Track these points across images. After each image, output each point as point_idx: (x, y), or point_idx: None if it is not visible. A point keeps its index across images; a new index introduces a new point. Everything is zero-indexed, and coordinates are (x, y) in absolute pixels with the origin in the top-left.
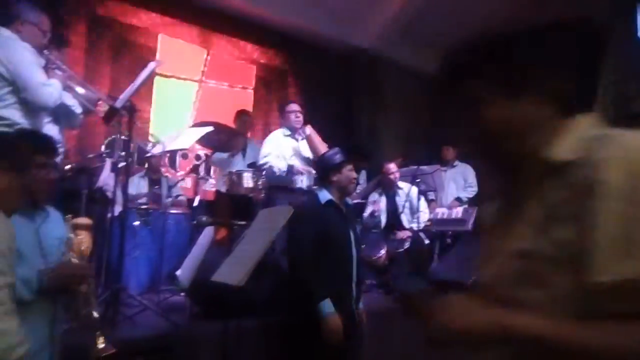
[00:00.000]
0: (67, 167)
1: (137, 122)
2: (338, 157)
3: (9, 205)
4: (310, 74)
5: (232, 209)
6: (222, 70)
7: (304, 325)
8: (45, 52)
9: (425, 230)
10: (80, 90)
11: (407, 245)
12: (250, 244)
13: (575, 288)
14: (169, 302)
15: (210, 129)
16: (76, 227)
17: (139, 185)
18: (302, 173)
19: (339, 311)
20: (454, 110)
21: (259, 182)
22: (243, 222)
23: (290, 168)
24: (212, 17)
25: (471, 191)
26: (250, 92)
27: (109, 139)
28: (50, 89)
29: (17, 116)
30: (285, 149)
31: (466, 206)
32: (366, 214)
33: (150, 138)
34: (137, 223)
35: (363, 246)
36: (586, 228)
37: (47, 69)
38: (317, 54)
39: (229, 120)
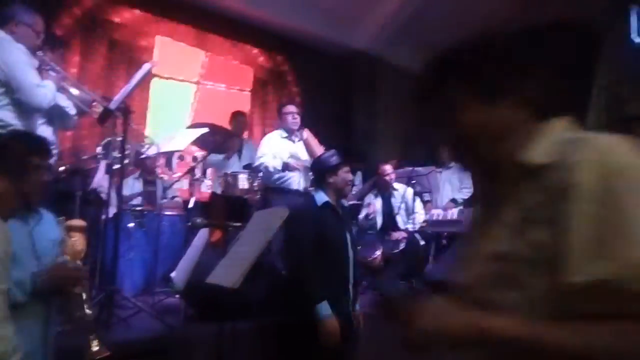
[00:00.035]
0: (61, 168)
1: (132, 124)
2: (334, 159)
3: (5, 210)
4: (308, 75)
5: (228, 210)
6: (219, 72)
7: (301, 327)
8: (39, 53)
9: (420, 231)
10: (74, 91)
11: (402, 246)
12: (245, 245)
13: (551, 289)
14: (163, 304)
15: (205, 130)
16: (70, 229)
17: (133, 187)
18: (297, 169)
19: (335, 313)
20: (433, 115)
21: (255, 184)
22: (238, 224)
23: (286, 165)
24: (209, 18)
25: (466, 192)
26: (248, 94)
27: (105, 141)
28: (44, 90)
29: (10, 117)
30: (281, 151)
31: (461, 207)
32: (361, 216)
33: (145, 140)
34: (131, 225)
35: (359, 247)
36: (560, 230)
37: (41, 70)
38: (314, 55)
39: (226, 122)
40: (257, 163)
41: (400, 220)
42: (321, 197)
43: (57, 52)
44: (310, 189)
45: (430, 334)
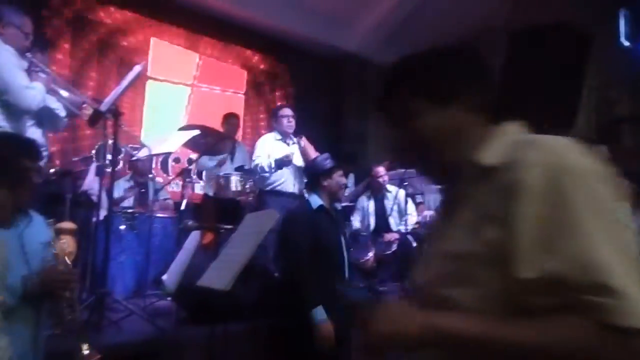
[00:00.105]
0: (51, 170)
1: (123, 125)
2: (328, 163)
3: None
4: (300, 77)
5: (219, 212)
6: (214, 74)
7: (295, 330)
8: (28, 54)
9: (413, 232)
10: (64, 93)
11: (394, 247)
12: (237, 248)
13: (504, 286)
14: (155, 307)
15: (196, 132)
16: (60, 232)
17: (124, 189)
18: (290, 161)
19: (330, 317)
20: (391, 122)
21: (247, 186)
22: (230, 226)
23: (280, 161)
24: (201, 20)
25: None
26: (242, 96)
27: (98, 144)
28: (33, 92)
29: None
30: (275, 153)
31: None
32: (354, 219)
33: (138, 142)
34: (123, 227)
35: (351, 250)
36: (510, 228)
37: (30, 71)
38: (306, 58)
39: (219, 124)
40: (252, 165)
41: (392, 221)
42: (316, 201)
43: (46, 54)
44: (303, 191)
45: (387, 338)
